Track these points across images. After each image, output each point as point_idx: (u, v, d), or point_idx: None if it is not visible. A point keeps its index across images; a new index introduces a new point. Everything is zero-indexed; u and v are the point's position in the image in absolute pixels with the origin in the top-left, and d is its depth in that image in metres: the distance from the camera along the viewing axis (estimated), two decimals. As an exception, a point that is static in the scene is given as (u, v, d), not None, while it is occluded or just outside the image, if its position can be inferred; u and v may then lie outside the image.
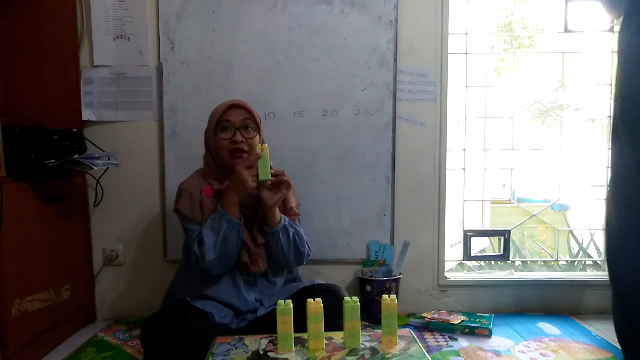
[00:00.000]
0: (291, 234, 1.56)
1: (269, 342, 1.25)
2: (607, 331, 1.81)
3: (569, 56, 2.11)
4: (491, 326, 1.80)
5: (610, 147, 1.40)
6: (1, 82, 1.83)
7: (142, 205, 1.99)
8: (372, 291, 1.91)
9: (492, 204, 2.56)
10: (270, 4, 1.92)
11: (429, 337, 1.77)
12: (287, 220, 1.57)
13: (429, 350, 1.64)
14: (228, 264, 1.52)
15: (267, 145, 1.49)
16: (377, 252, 2.01)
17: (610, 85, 2.07)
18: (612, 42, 2.05)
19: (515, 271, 2.14)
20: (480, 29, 2.20)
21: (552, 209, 2.21)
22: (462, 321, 1.83)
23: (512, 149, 2.15)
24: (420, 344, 1.23)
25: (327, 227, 2.00)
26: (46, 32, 1.85)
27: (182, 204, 1.55)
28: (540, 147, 2.31)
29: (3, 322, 1.41)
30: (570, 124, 2.51)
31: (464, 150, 2.11)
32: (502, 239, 2.11)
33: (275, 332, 1.20)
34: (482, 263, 2.19)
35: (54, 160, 1.56)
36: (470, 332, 1.79)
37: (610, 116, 2.07)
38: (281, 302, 1.20)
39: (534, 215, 2.20)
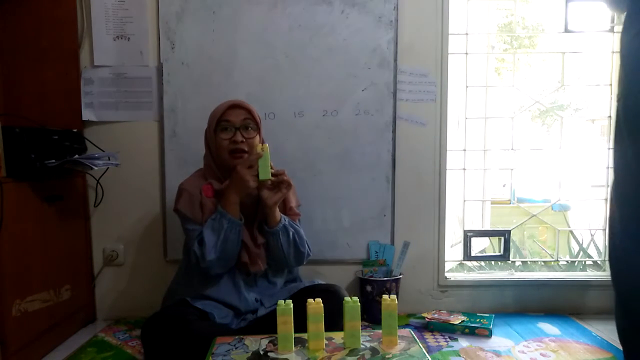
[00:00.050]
0: (291, 233, 1.56)
1: (269, 342, 1.25)
2: (607, 331, 1.81)
3: (569, 56, 2.11)
4: (491, 326, 1.80)
5: (613, 147, 1.40)
6: (1, 82, 1.83)
7: (142, 205, 1.99)
8: (372, 291, 1.91)
9: (492, 204, 2.56)
10: (270, 4, 1.92)
11: (429, 337, 1.77)
12: (287, 220, 1.57)
13: (429, 350, 1.64)
14: (228, 263, 1.52)
15: (267, 144, 1.49)
16: (377, 252, 2.01)
17: (610, 85, 2.07)
18: (612, 42, 2.05)
19: (515, 271, 2.14)
20: (480, 29, 2.20)
21: (552, 209, 2.21)
22: (462, 321, 1.83)
23: (512, 149, 2.15)
24: (420, 344, 1.23)
25: (327, 227, 2.00)
26: (46, 32, 1.85)
27: (182, 203, 1.55)
28: (540, 147, 2.31)
29: (3, 322, 1.41)
30: (570, 124, 2.50)
31: (464, 150, 2.11)
32: (502, 239, 2.11)
33: (275, 332, 1.20)
34: (482, 263, 2.19)
35: (54, 160, 1.56)
36: (470, 332, 1.79)
37: (610, 116, 2.08)
38: (281, 302, 1.20)
39: (534, 215, 2.20)
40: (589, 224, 2.24)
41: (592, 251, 2.23)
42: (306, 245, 1.61)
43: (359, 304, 1.22)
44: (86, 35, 1.92)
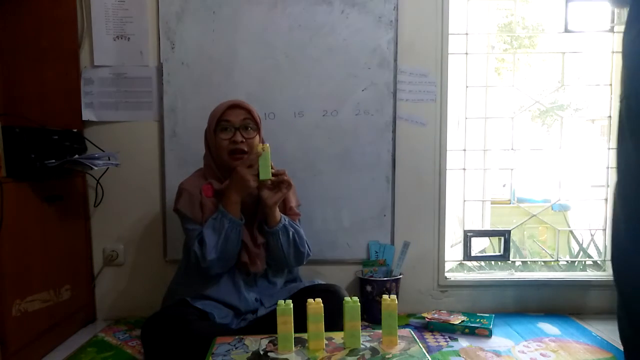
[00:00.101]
0: (291, 233, 1.56)
1: (269, 342, 1.25)
2: (607, 331, 1.81)
3: (569, 56, 2.11)
4: (491, 326, 1.80)
5: (616, 146, 1.40)
6: (1, 82, 1.83)
7: (142, 205, 1.99)
8: (372, 291, 1.91)
9: (492, 204, 2.56)
10: (270, 4, 1.92)
11: (429, 337, 1.77)
12: (287, 219, 1.57)
13: (429, 350, 1.64)
14: (228, 263, 1.52)
15: (268, 144, 1.49)
16: (377, 252, 2.01)
17: (610, 85, 2.07)
18: (612, 42, 2.05)
19: (515, 271, 2.14)
20: (480, 29, 2.20)
21: (552, 209, 2.21)
22: (462, 321, 1.83)
23: (512, 149, 2.15)
24: (420, 344, 1.23)
25: (327, 227, 2.00)
26: (46, 32, 1.85)
27: (181, 203, 1.55)
28: (540, 147, 2.31)
29: (3, 322, 1.41)
30: (570, 124, 2.50)
31: (464, 150, 2.11)
32: (502, 239, 2.11)
33: (275, 332, 1.20)
34: (482, 263, 2.19)
35: (54, 160, 1.56)
36: (470, 332, 1.79)
37: (610, 116, 2.08)
38: (281, 302, 1.20)
39: (534, 215, 2.20)
40: (589, 224, 2.24)
41: (592, 251, 2.23)
42: (306, 245, 1.61)
43: (359, 304, 1.22)
44: (86, 35, 1.92)
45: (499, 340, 1.74)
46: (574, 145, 2.23)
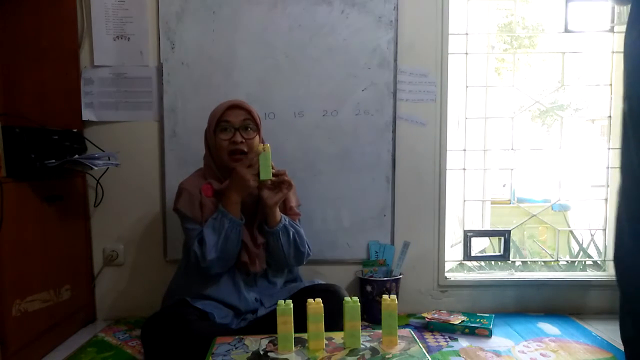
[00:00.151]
0: (291, 233, 1.56)
1: (269, 342, 1.25)
2: (607, 331, 1.81)
3: (569, 56, 2.11)
4: (491, 326, 1.80)
5: (620, 146, 1.41)
6: (1, 82, 1.83)
7: (142, 205, 1.99)
8: (372, 291, 1.91)
9: (492, 204, 2.56)
10: (270, 4, 1.92)
11: (429, 337, 1.77)
12: (287, 220, 1.57)
13: (429, 350, 1.64)
14: (228, 263, 1.52)
15: (268, 144, 1.49)
16: (377, 252, 2.01)
17: (610, 85, 2.07)
18: (612, 42, 2.05)
19: (515, 271, 2.14)
20: (480, 29, 2.20)
21: (552, 209, 2.21)
22: (462, 321, 1.83)
23: (512, 149, 2.15)
24: (420, 344, 1.23)
25: (327, 227, 2.00)
26: (46, 32, 1.84)
27: (181, 203, 1.55)
28: (540, 147, 2.31)
29: (3, 322, 1.41)
30: (570, 124, 2.50)
31: (464, 150, 2.11)
32: (502, 239, 2.11)
33: (275, 332, 1.20)
34: (482, 263, 2.19)
35: (54, 160, 1.56)
36: (470, 332, 1.79)
37: (610, 116, 2.08)
38: (281, 302, 1.20)
39: (534, 215, 2.20)
40: (589, 224, 2.24)
41: (592, 251, 2.23)
42: (306, 245, 1.61)
43: (359, 304, 1.22)
44: (86, 35, 1.92)
45: (499, 340, 1.74)
46: (574, 145, 2.23)
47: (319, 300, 1.21)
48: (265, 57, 1.94)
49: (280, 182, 1.52)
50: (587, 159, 2.27)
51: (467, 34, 2.07)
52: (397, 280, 1.96)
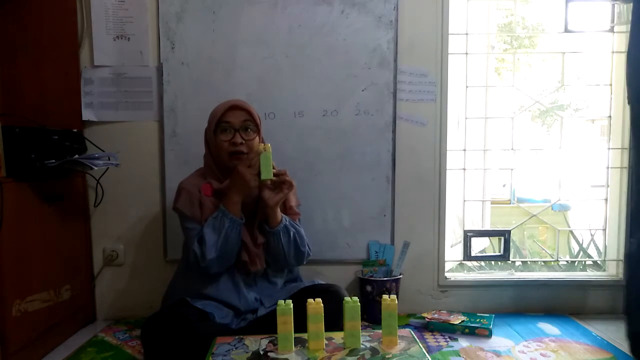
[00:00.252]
0: (292, 233, 1.56)
1: (269, 342, 1.25)
2: (607, 331, 1.81)
3: (569, 56, 2.11)
4: (491, 326, 1.80)
5: (629, 146, 1.43)
6: (1, 82, 1.83)
7: (142, 205, 1.99)
8: (372, 291, 1.91)
9: (492, 204, 2.56)
10: (270, 4, 1.92)
11: (429, 337, 1.77)
12: (287, 220, 1.57)
13: (429, 350, 1.64)
14: (227, 262, 1.52)
15: (269, 144, 1.49)
16: (377, 252, 2.01)
17: (610, 85, 2.07)
18: (612, 42, 2.05)
19: (515, 271, 2.14)
20: (480, 29, 2.20)
21: (552, 209, 2.21)
22: (462, 321, 1.83)
23: (512, 149, 2.15)
24: (420, 344, 1.23)
25: (327, 227, 2.00)
26: (46, 32, 1.85)
27: (181, 202, 1.55)
28: (540, 147, 2.32)
29: (3, 322, 1.41)
30: (570, 124, 2.51)
31: (464, 150, 2.11)
32: (502, 239, 2.11)
33: (275, 332, 1.20)
34: (482, 263, 2.19)
35: (54, 160, 1.56)
36: (470, 332, 1.79)
37: (610, 116, 2.09)
38: (281, 302, 1.20)
39: (534, 215, 2.20)
40: (589, 224, 2.24)
41: (592, 251, 2.23)
42: (306, 245, 1.61)
43: (359, 304, 1.22)
44: (86, 35, 1.92)
45: (499, 340, 1.74)
46: (574, 145, 2.23)
47: (319, 300, 1.21)
48: (265, 57, 1.94)
49: (281, 182, 1.52)
50: (587, 159, 2.27)
51: (467, 34, 2.07)
52: (397, 280, 1.96)
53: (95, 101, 1.94)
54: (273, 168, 1.49)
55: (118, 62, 1.93)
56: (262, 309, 1.56)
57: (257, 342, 1.26)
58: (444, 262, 2.06)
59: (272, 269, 1.63)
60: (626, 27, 1.96)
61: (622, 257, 2.05)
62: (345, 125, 1.97)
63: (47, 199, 1.64)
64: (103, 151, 1.85)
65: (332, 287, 1.57)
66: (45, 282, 1.63)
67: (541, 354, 1.61)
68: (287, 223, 1.56)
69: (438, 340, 1.74)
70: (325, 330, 1.22)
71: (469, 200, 2.17)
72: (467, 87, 2.11)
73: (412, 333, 1.31)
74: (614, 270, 2.09)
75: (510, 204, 2.42)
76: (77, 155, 1.70)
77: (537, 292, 2.05)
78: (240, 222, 1.49)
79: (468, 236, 2.10)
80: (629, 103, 1.49)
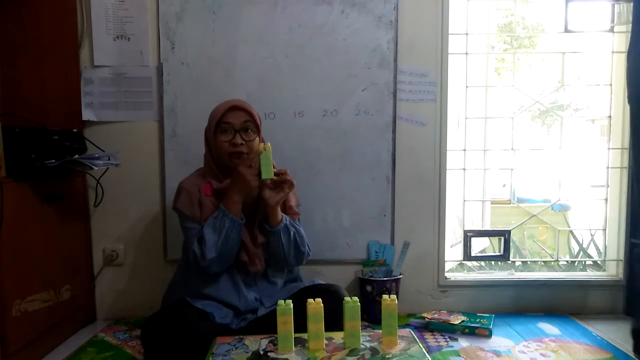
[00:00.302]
0: (292, 233, 1.56)
1: (269, 342, 1.25)
2: (607, 331, 1.81)
3: (569, 56, 2.11)
4: (491, 326, 1.80)
5: (629, 146, 1.45)
6: (1, 82, 1.83)
7: (142, 205, 1.99)
8: (372, 291, 1.91)
9: (492, 204, 2.56)
10: (270, 4, 1.92)
11: (429, 337, 1.77)
12: (288, 219, 1.57)
13: (429, 350, 1.64)
14: (227, 262, 1.52)
15: (269, 144, 1.48)
16: (377, 252, 2.01)
17: (610, 85, 2.07)
18: (612, 42, 2.05)
19: (515, 271, 2.14)
20: (480, 29, 2.20)
21: (552, 209, 2.21)
22: (462, 321, 1.83)
23: (512, 149, 2.15)
24: (420, 344, 1.23)
25: (327, 227, 2.00)
26: (46, 32, 1.84)
27: (180, 202, 1.55)
28: (540, 147, 2.32)
29: (3, 322, 1.41)
30: (570, 124, 2.50)
31: (464, 150, 2.11)
32: (502, 239, 2.11)
33: (275, 332, 1.20)
34: (482, 263, 2.19)
35: (54, 160, 1.56)
36: (470, 332, 1.79)
37: (610, 116, 2.09)
38: (281, 302, 1.20)
39: (534, 215, 2.20)
40: (589, 224, 2.24)
41: (592, 251, 2.23)
42: (306, 245, 1.61)
43: (359, 304, 1.22)
44: (86, 35, 1.92)
45: (499, 340, 1.74)
46: (574, 145, 2.23)
47: (319, 300, 1.21)
48: (265, 57, 1.94)
49: (282, 182, 1.52)
50: (587, 159, 2.27)
51: (467, 34, 2.07)
52: (397, 280, 1.96)
53: (95, 101, 1.94)
54: (273, 167, 1.49)
55: (118, 62, 1.93)
56: (262, 309, 1.56)
57: (257, 342, 1.26)
58: (444, 262, 2.06)
59: (272, 269, 1.63)
60: (626, 27, 1.97)
61: (622, 257, 2.05)
62: (345, 125, 1.97)
63: (47, 199, 1.64)
64: (103, 151, 1.85)
65: (332, 287, 1.57)
66: (45, 282, 1.63)
67: (541, 354, 1.61)
68: (288, 222, 1.56)
69: (438, 340, 1.74)
70: (325, 330, 1.22)
71: (469, 200, 2.17)
72: (467, 87, 2.11)
73: (412, 333, 1.31)
74: (614, 270, 2.09)
75: (510, 204, 2.42)
76: (77, 155, 1.70)
77: (537, 292, 2.05)
78: (241, 222, 1.49)
79: (468, 236, 2.10)
80: (629, 102, 1.50)
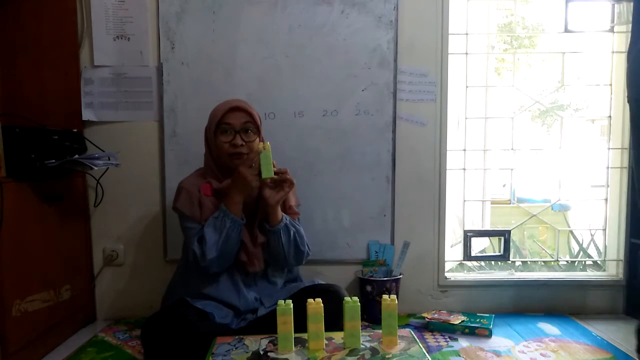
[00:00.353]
0: (292, 232, 1.56)
1: (269, 342, 1.25)
2: (607, 331, 1.81)
3: (569, 56, 2.11)
4: (491, 326, 1.80)
5: (629, 146, 1.45)
6: (1, 82, 1.83)
7: (142, 205, 1.99)
8: (372, 291, 1.91)
9: (492, 204, 2.56)
10: (270, 4, 1.92)
11: (429, 337, 1.77)
12: (288, 219, 1.57)
13: (429, 350, 1.64)
14: (227, 262, 1.52)
15: (269, 143, 1.48)
16: (377, 252, 2.01)
17: (610, 85, 2.07)
18: (612, 42, 2.05)
19: (515, 271, 2.14)
20: (480, 29, 2.20)
21: (552, 209, 2.21)
22: (462, 321, 1.83)
23: (512, 149, 2.15)
24: (420, 344, 1.23)
25: (327, 227, 2.00)
26: (46, 32, 1.85)
27: (180, 202, 1.55)
28: (540, 147, 2.32)
29: (3, 322, 1.41)
30: (570, 124, 2.50)
31: (464, 150, 2.11)
32: (502, 239, 2.11)
33: (275, 332, 1.20)
34: (482, 263, 2.19)
35: (54, 160, 1.56)
36: (470, 332, 1.79)
37: (610, 116, 2.09)
38: (281, 302, 1.20)
39: (534, 215, 2.20)
40: (589, 224, 2.24)
41: (592, 251, 2.23)
42: (306, 245, 1.61)
43: (359, 304, 1.22)
44: (86, 35, 1.92)
45: (499, 340, 1.74)
46: (574, 145, 2.23)
47: (319, 300, 1.21)
48: (265, 57, 1.94)
49: (282, 181, 1.52)
50: (587, 159, 2.27)
51: (467, 34, 2.07)
52: (397, 280, 1.96)
53: (95, 101, 1.94)
54: (273, 167, 1.49)
55: (118, 62, 1.93)
56: (262, 309, 1.56)
57: (257, 342, 1.26)
58: (444, 262, 2.06)
59: (271, 269, 1.63)
60: (626, 27, 1.97)
61: (622, 257, 2.05)
62: (345, 125, 1.97)
63: (47, 199, 1.64)
64: (103, 151, 1.85)
65: (332, 287, 1.57)
66: (45, 282, 1.63)
67: (541, 354, 1.61)
68: (288, 222, 1.56)
69: (438, 340, 1.74)
70: (325, 330, 1.22)
71: (469, 200, 2.17)
72: (467, 87, 2.11)
73: (412, 333, 1.31)
74: (614, 270, 2.09)
75: (510, 204, 2.42)
76: (77, 155, 1.70)
77: (537, 292, 2.05)
78: (241, 222, 1.49)
79: (468, 236, 2.10)
80: (628, 102, 1.50)
